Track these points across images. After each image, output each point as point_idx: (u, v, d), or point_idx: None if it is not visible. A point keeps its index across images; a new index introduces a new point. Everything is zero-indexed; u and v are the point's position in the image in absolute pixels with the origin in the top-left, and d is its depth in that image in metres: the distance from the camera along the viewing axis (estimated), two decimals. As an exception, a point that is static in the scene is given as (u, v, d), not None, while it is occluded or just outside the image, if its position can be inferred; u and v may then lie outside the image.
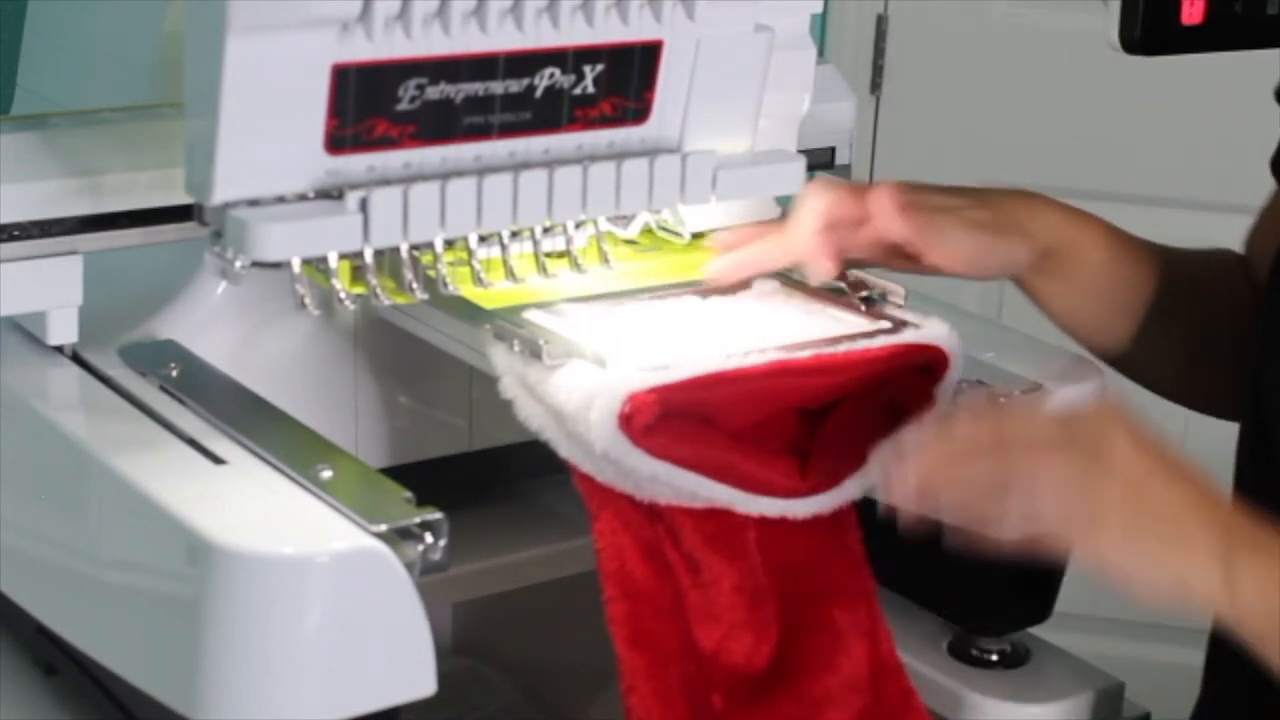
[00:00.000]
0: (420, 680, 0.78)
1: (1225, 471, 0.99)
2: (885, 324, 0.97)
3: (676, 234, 1.07)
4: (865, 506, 0.93)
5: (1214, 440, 1.05)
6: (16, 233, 0.90)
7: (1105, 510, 0.84)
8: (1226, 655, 1.05)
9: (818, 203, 0.99)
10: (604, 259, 0.99)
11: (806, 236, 0.99)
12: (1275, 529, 0.87)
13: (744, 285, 1.03)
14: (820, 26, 2.48)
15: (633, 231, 1.04)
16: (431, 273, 0.91)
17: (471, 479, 1.12)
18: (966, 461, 0.85)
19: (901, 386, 0.93)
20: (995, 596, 1.07)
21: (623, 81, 0.94)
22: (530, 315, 0.95)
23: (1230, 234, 1.16)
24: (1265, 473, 1.00)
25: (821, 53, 1.14)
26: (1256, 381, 1.03)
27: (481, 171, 0.90)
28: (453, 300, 0.94)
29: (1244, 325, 1.06)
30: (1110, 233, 1.07)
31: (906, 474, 0.84)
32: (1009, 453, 0.84)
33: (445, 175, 0.89)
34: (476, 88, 0.89)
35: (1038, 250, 1.03)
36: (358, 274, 0.89)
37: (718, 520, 0.90)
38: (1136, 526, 0.84)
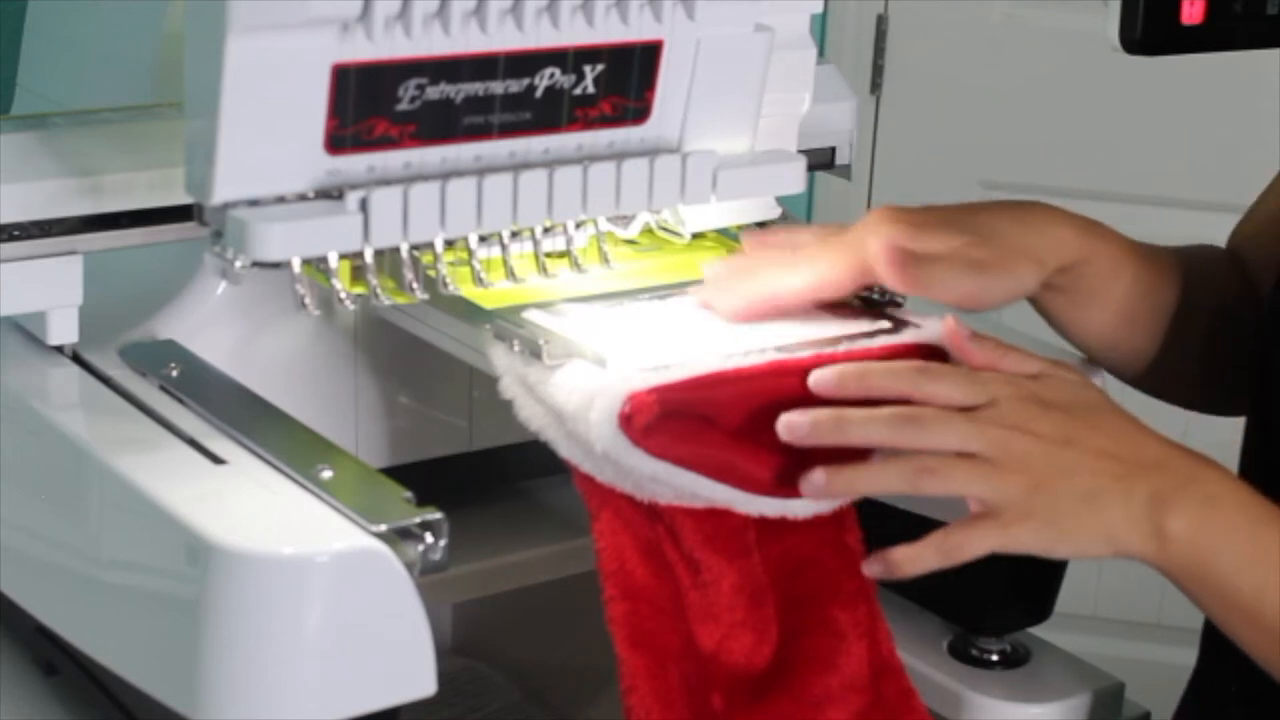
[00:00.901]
0: (420, 680, 0.78)
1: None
2: (885, 324, 0.97)
3: (676, 234, 1.07)
4: (865, 506, 0.93)
5: (1216, 441, 1.05)
6: (16, 233, 0.90)
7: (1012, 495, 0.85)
8: (1218, 652, 1.05)
9: (812, 273, 0.96)
10: (604, 259, 0.99)
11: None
12: (1210, 465, 0.87)
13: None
14: (820, 26, 2.48)
15: (633, 231, 1.04)
16: (431, 273, 0.91)
17: (471, 479, 1.12)
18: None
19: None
20: (995, 596, 1.07)
21: (623, 81, 0.94)
22: (530, 315, 0.95)
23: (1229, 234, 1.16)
24: (1270, 472, 1.00)
25: (821, 53, 1.14)
26: (1261, 380, 1.03)
27: (481, 171, 0.90)
28: (453, 300, 0.94)
29: (1245, 321, 1.05)
30: (1126, 244, 1.03)
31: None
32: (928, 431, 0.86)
33: (445, 175, 0.89)
34: (476, 88, 0.89)
35: (1047, 272, 0.98)
36: (358, 274, 0.89)
37: (718, 520, 0.90)
38: (1050, 499, 0.85)
